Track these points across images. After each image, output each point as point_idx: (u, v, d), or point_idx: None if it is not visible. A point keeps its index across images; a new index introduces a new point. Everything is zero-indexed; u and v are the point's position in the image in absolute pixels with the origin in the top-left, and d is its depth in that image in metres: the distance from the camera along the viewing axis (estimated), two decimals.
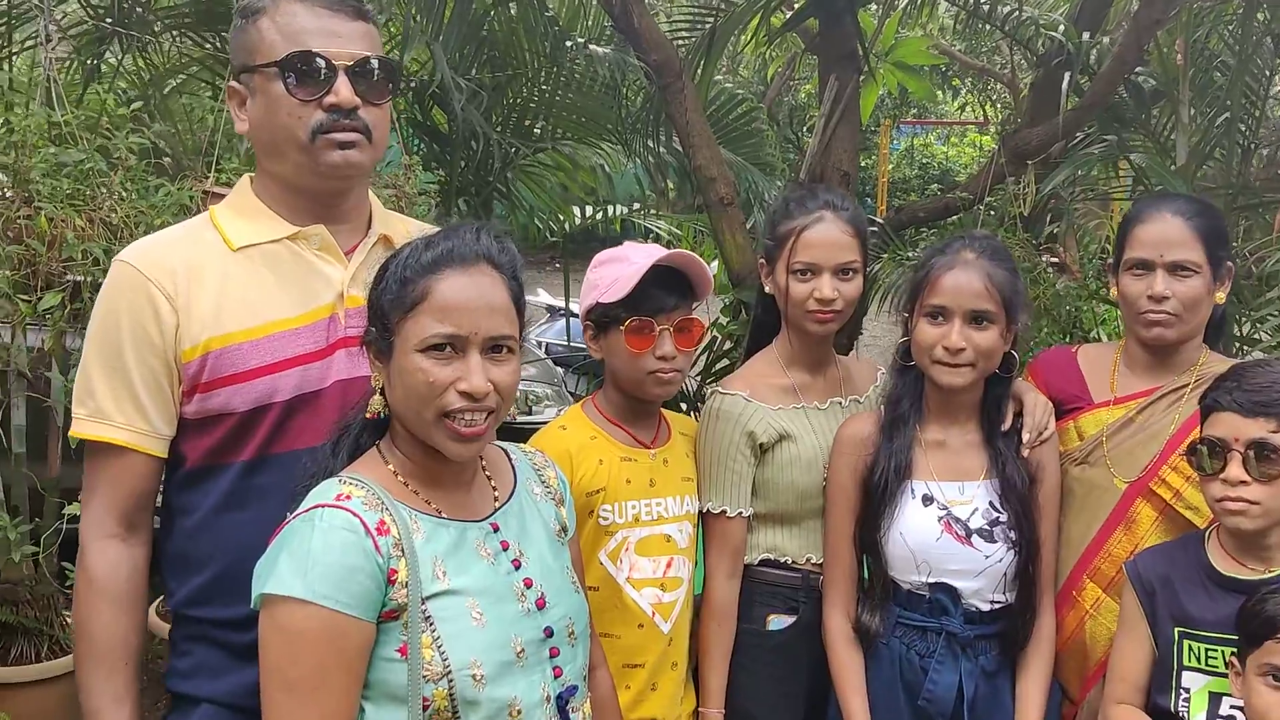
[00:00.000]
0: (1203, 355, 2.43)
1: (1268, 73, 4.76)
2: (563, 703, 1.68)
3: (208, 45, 4.41)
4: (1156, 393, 2.41)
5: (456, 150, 4.66)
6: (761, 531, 2.49)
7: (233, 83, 1.93)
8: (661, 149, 4.97)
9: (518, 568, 1.69)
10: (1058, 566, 2.43)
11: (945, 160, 19.27)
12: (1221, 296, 2.40)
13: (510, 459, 1.85)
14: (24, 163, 3.25)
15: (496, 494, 1.76)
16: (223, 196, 3.44)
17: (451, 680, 1.55)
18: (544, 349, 8.69)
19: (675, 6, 6.42)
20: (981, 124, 17.94)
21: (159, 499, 1.96)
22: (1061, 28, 4.60)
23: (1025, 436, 2.36)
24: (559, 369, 7.34)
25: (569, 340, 7.51)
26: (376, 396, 1.68)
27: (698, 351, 2.38)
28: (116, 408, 1.83)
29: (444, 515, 1.66)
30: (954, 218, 5.00)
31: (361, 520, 1.55)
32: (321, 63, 1.84)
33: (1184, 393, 2.38)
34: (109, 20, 4.12)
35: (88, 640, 1.84)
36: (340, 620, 1.50)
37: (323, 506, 1.56)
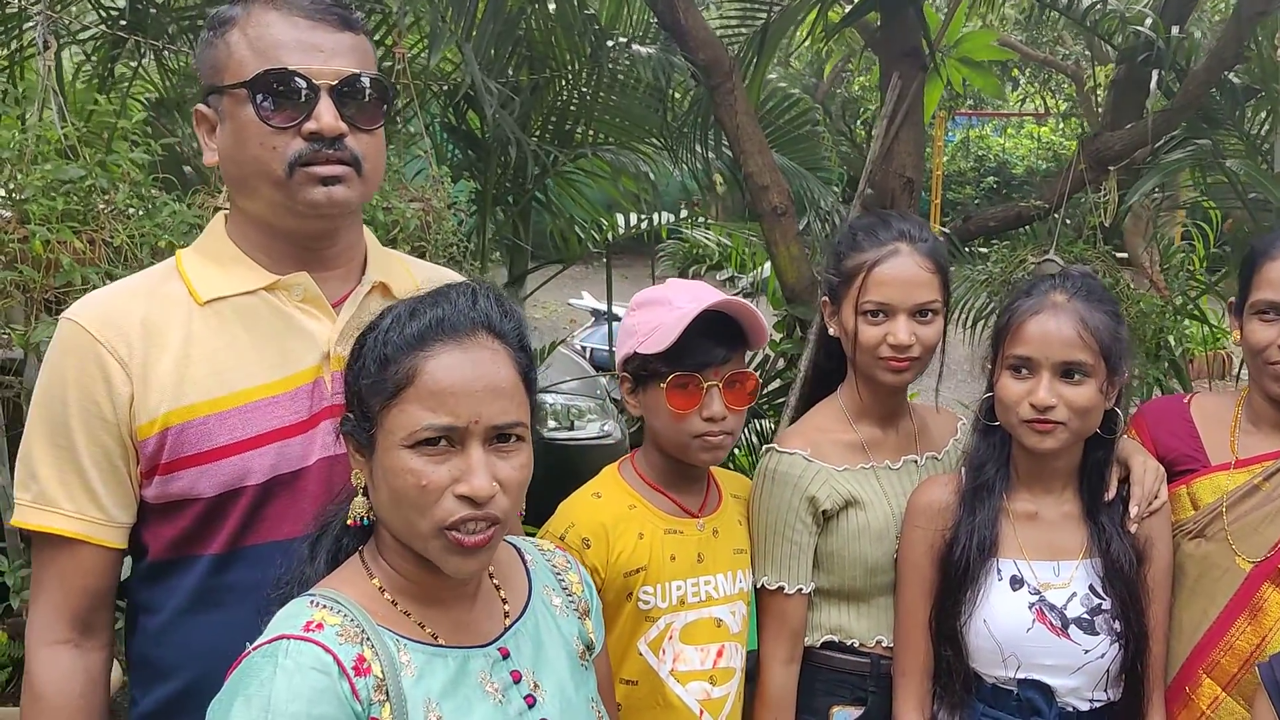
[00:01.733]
0: None
1: None
2: None
3: None
4: None
5: (492, 157, 4.37)
6: (824, 610, 2.18)
7: (200, 106, 1.64)
8: (710, 154, 4.64)
9: (531, 706, 1.39)
10: (1168, 658, 2.09)
11: (1002, 153, 18.73)
12: None
13: (524, 560, 1.55)
14: (20, 179, 3.01)
15: (507, 609, 1.46)
16: None
17: None
18: (589, 355, 8.40)
19: (725, 2, 6.08)
20: (1040, 116, 17.40)
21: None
22: (1149, 21, 4.22)
23: (1133, 509, 2.02)
24: (603, 379, 7.04)
25: (611, 345, 7.21)
26: (359, 498, 1.38)
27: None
28: (64, 493, 1.56)
29: (441, 641, 1.36)
30: (1027, 227, 4.64)
31: (335, 657, 1.25)
32: (301, 82, 1.55)
33: None
34: (123, 23, 3.87)
35: None
36: None
37: (288, 638, 1.26)
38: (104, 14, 4.04)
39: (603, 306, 9.29)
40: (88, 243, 2.98)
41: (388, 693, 1.27)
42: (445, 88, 4.36)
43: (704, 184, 4.80)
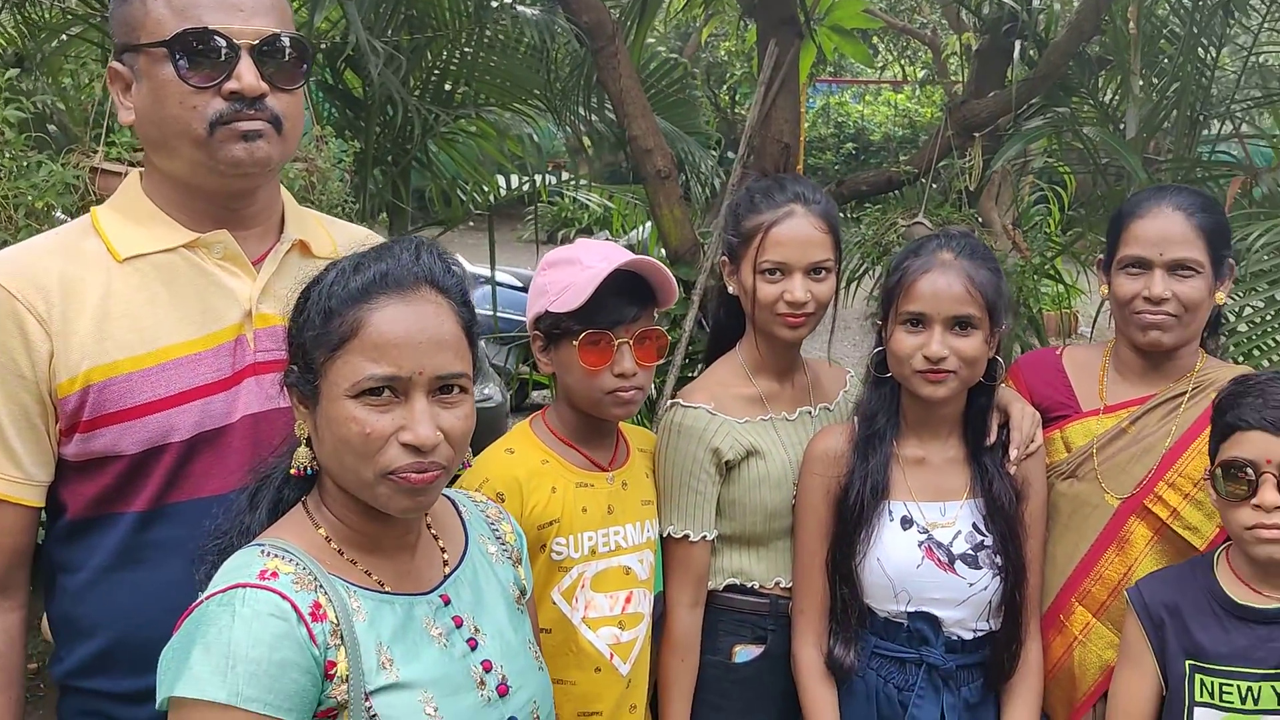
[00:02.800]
0: (1200, 360, 2.25)
1: (1217, 42, 4.63)
2: None
3: (95, 2, 4.01)
4: (1151, 401, 2.23)
5: (372, 117, 4.32)
6: (726, 554, 2.27)
7: (114, 63, 1.62)
8: (593, 117, 4.67)
9: (474, 648, 1.44)
10: (1044, 590, 2.26)
11: (861, 119, 19.16)
12: (1222, 297, 2.22)
13: (460, 512, 1.59)
14: None
15: (446, 557, 1.51)
16: (115, 175, 3.07)
17: None
18: None
19: None
20: (897, 83, 17.84)
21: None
22: None
23: (1013, 452, 2.16)
24: (482, 343, 7.04)
25: (495, 310, 7.23)
26: (302, 448, 1.40)
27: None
28: None
29: (387, 589, 1.40)
30: (897, 191, 4.81)
31: (293, 604, 1.29)
32: (221, 41, 1.55)
33: (1181, 401, 2.21)
34: None
35: None
36: None
37: (245, 587, 1.29)
38: None
39: (478, 270, 9.27)
40: None
41: (342, 637, 1.31)
42: (324, 47, 4.29)
43: (577, 147, 4.83)
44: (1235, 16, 4.54)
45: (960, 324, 2.09)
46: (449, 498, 1.61)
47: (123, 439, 1.56)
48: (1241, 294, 3.70)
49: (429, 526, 1.51)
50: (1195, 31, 4.39)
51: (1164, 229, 2.15)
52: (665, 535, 2.22)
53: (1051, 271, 4.91)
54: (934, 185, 4.84)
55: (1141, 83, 4.49)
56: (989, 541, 2.15)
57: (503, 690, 1.45)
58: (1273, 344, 3.59)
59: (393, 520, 1.40)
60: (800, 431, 2.29)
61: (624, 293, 1.97)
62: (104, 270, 1.59)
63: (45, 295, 1.54)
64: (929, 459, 2.20)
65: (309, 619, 1.29)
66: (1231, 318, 3.80)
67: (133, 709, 1.57)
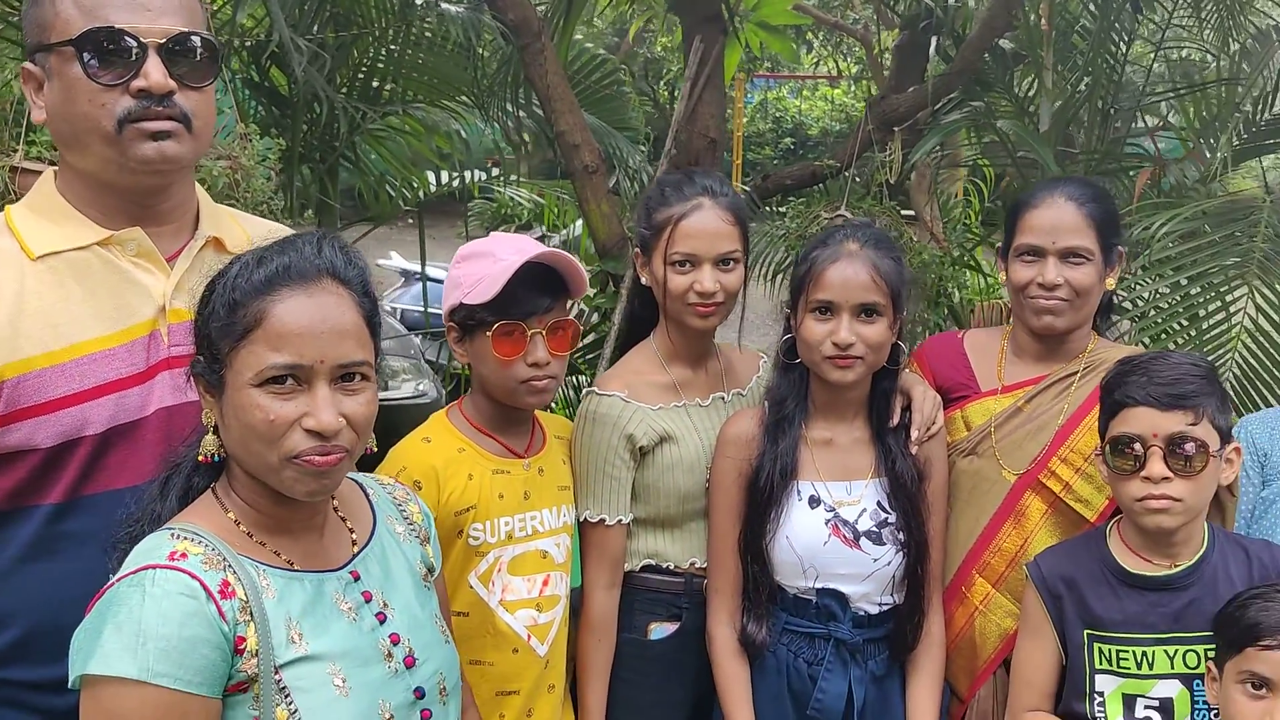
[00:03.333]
0: (1091, 342, 2.37)
1: (1126, 37, 4.78)
2: None
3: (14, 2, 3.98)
4: (1044, 381, 2.34)
5: (298, 115, 4.33)
6: (642, 537, 2.35)
7: (27, 64, 1.65)
8: (521, 113, 4.72)
9: (383, 622, 1.50)
10: (946, 563, 2.35)
11: (798, 114, 19.35)
12: (1112, 283, 2.34)
13: (367, 495, 1.64)
14: None
15: (354, 537, 1.56)
16: (34, 174, 3.06)
17: None
18: (399, 315, 8.36)
19: None
20: (833, 79, 18.04)
21: None
22: None
23: (914, 433, 2.26)
24: (416, 339, 7.06)
25: (426, 306, 7.26)
26: (210, 436, 1.45)
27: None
28: None
29: (296, 567, 1.45)
30: (821, 185, 4.91)
31: (201, 582, 1.33)
32: (129, 41, 1.58)
33: (1072, 381, 2.32)
34: None
35: None
36: (181, 700, 1.30)
37: (154, 568, 1.33)
38: None
39: (412, 267, 9.25)
40: None
41: (251, 613, 1.36)
42: (248, 44, 4.29)
43: (515, 142, 4.88)
44: (1143, 14, 4.69)
45: (866, 311, 2.17)
46: (357, 481, 1.66)
47: (37, 433, 1.59)
48: (1150, 280, 3.85)
49: (336, 509, 1.56)
50: (1105, 27, 4.53)
51: (1056, 218, 2.26)
52: (582, 519, 2.29)
53: (971, 262, 5.04)
54: (858, 179, 4.96)
55: (1055, 77, 4.64)
56: (892, 519, 2.24)
57: (410, 662, 1.50)
58: (1178, 328, 3.73)
59: (299, 503, 1.45)
60: (714, 416, 2.37)
61: (536, 284, 2.03)
62: (18, 268, 1.62)
63: None
64: (836, 440, 2.28)
65: (218, 596, 1.33)
66: (1140, 303, 3.95)
67: (51, 697, 1.60)
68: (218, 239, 1.76)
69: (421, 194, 5.08)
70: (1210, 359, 3.13)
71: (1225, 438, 2.04)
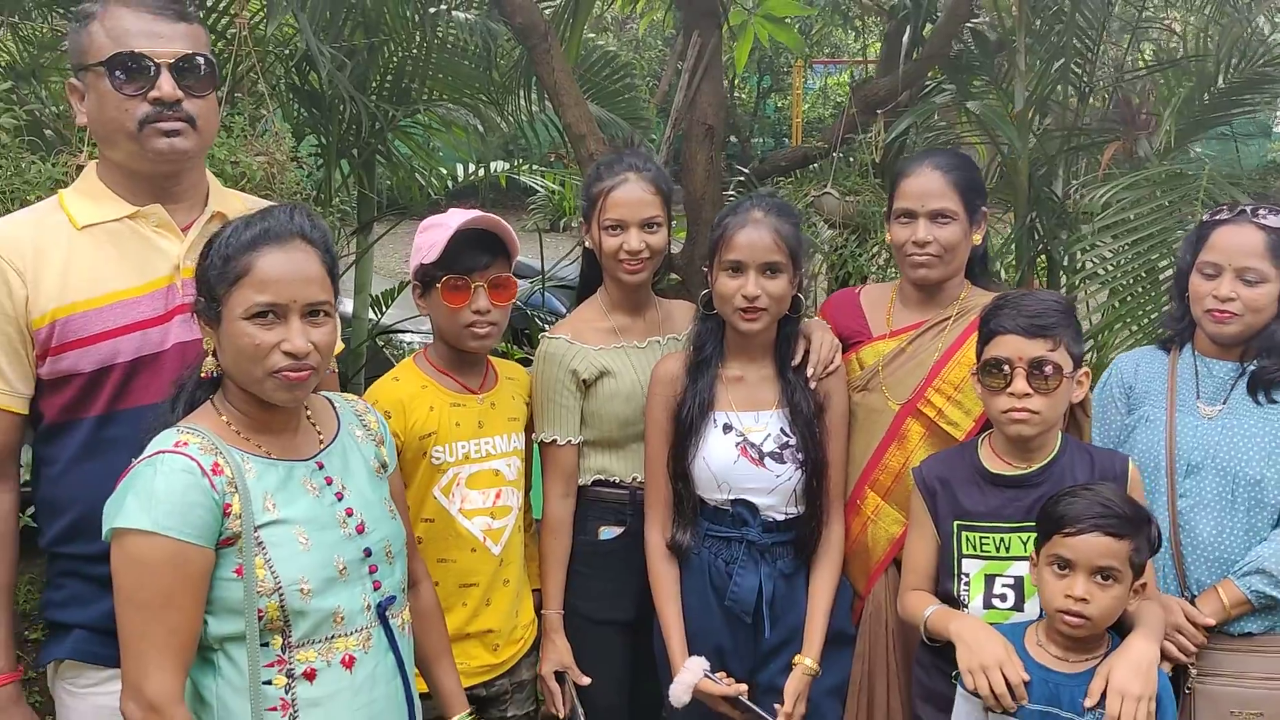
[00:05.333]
0: (964, 290, 2.77)
1: (1101, 20, 5.09)
2: (382, 610, 1.96)
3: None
4: (924, 325, 2.74)
5: (333, 114, 4.84)
6: (592, 456, 2.80)
7: (72, 80, 2.15)
8: (535, 107, 5.19)
9: (340, 499, 1.96)
10: (847, 482, 2.76)
11: None
12: (978, 239, 2.73)
13: (334, 407, 2.11)
14: None
15: (321, 437, 2.03)
16: None
17: (282, 594, 1.82)
18: None
19: None
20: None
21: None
22: None
23: (809, 370, 2.67)
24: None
25: (575, 298, 7.77)
26: (209, 358, 1.92)
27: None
28: None
29: (273, 457, 1.92)
30: (812, 165, 5.30)
31: (198, 463, 1.80)
32: (147, 61, 2.07)
33: (947, 324, 2.73)
34: None
35: None
36: (183, 548, 1.76)
37: (163, 452, 1.81)
38: None
39: None
40: None
41: (236, 487, 1.82)
42: (288, 51, 4.81)
43: (530, 133, 5.33)
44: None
45: (770, 269, 2.58)
46: (328, 399, 2.13)
47: (81, 361, 2.08)
48: (1100, 244, 4.20)
49: (309, 417, 2.03)
50: (1074, 9, 4.85)
51: (924, 185, 2.66)
52: (540, 441, 2.75)
53: None
54: (850, 160, 5.34)
55: (1029, 59, 4.97)
56: (793, 442, 2.65)
57: (360, 529, 1.96)
58: (1123, 286, 4.08)
59: (278, 408, 1.92)
60: (650, 356, 2.80)
61: (478, 245, 2.50)
62: (66, 236, 2.12)
63: (23, 255, 2.07)
64: (746, 377, 2.70)
65: (210, 473, 1.80)
66: (1099, 263, 4.29)
67: (99, 566, 2.07)
68: (222, 213, 2.24)
69: (449, 184, 5.56)
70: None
71: (1077, 363, 2.43)
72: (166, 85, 2.07)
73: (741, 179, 5.50)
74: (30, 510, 2.28)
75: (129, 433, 2.03)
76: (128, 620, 1.77)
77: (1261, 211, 2.61)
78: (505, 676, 2.71)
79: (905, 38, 4.77)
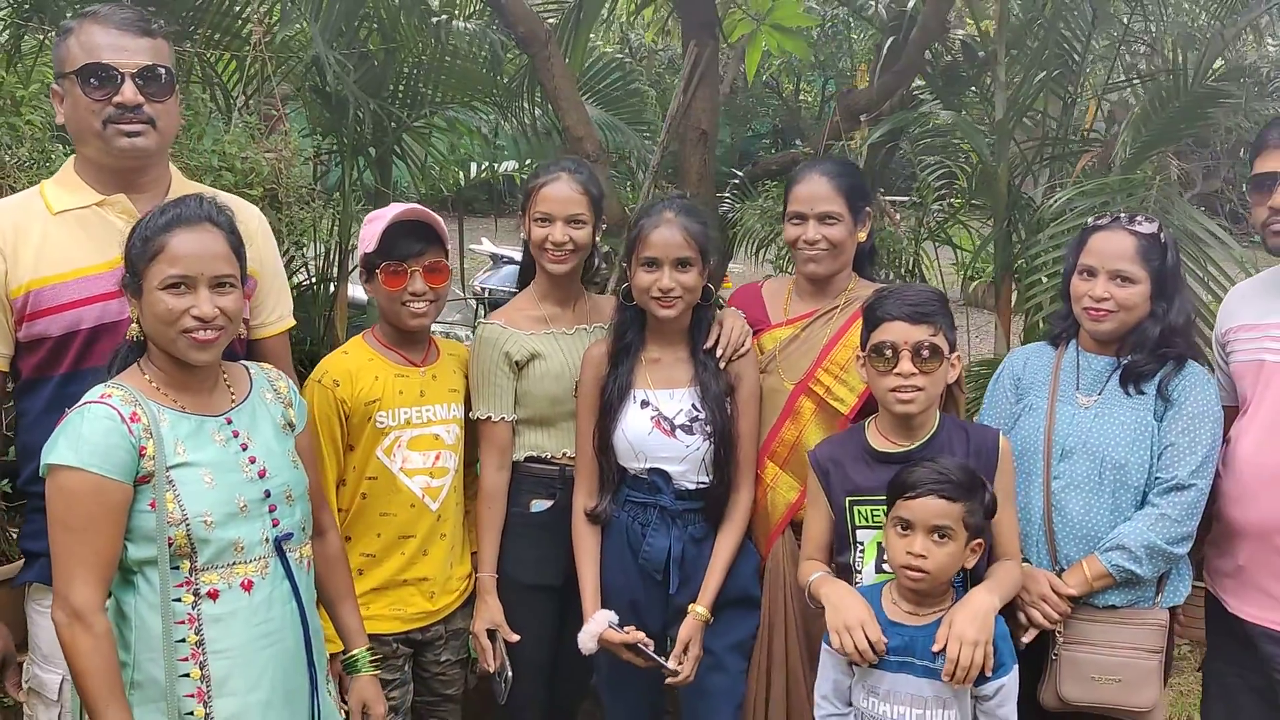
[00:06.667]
0: (852, 282, 3.05)
1: (1084, 35, 5.27)
2: (279, 544, 2.28)
3: None
4: (815, 314, 3.03)
5: (347, 115, 5.19)
6: (525, 434, 3.08)
7: (54, 85, 2.50)
8: (539, 112, 5.50)
9: (245, 449, 2.27)
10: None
11: None
12: (863, 236, 3.02)
13: (250, 374, 2.42)
14: None
15: (234, 397, 2.34)
16: None
17: (188, 525, 2.14)
18: (487, 294, 9.28)
19: None
20: None
21: None
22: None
23: (719, 351, 2.94)
24: (482, 310, 7.97)
25: (509, 288, 8.16)
26: (134, 325, 2.25)
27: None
28: None
29: (187, 410, 2.23)
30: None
31: (119, 411, 2.13)
32: (114, 71, 2.40)
33: (834, 313, 3.01)
34: (26, 7, 4.66)
35: None
36: (104, 482, 2.09)
37: (90, 403, 2.14)
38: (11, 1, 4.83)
39: (500, 251, 10.14)
40: None
41: (151, 433, 2.14)
42: (306, 57, 5.17)
43: (533, 137, 5.64)
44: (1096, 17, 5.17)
45: (682, 264, 2.86)
46: (246, 367, 2.44)
47: (51, 326, 2.42)
48: (1056, 248, 4.39)
49: (225, 380, 2.33)
50: (1055, 27, 5.04)
51: (812, 190, 2.95)
52: (476, 418, 3.04)
53: (943, 237, 5.61)
54: None
55: (1010, 71, 5.16)
56: (702, 415, 2.92)
57: (262, 474, 2.27)
58: None
59: (193, 367, 2.22)
60: (578, 343, 3.08)
61: (413, 235, 2.82)
62: (43, 219, 2.46)
63: (3, 235, 2.41)
64: (663, 359, 2.98)
65: (129, 420, 2.12)
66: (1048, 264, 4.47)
67: None
68: None
69: (461, 182, 5.90)
70: None
71: (952, 347, 2.68)
72: (129, 91, 2.40)
73: (736, 181, 5.77)
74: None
75: (87, 389, 2.34)
76: (58, 541, 2.10)
77: (1137, 219, 2.83)
78: (441, 624, 3.02)
79: (884, 50, 4.98)
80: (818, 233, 2.92)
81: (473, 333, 7.32)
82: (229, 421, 2.28)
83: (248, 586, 2.20)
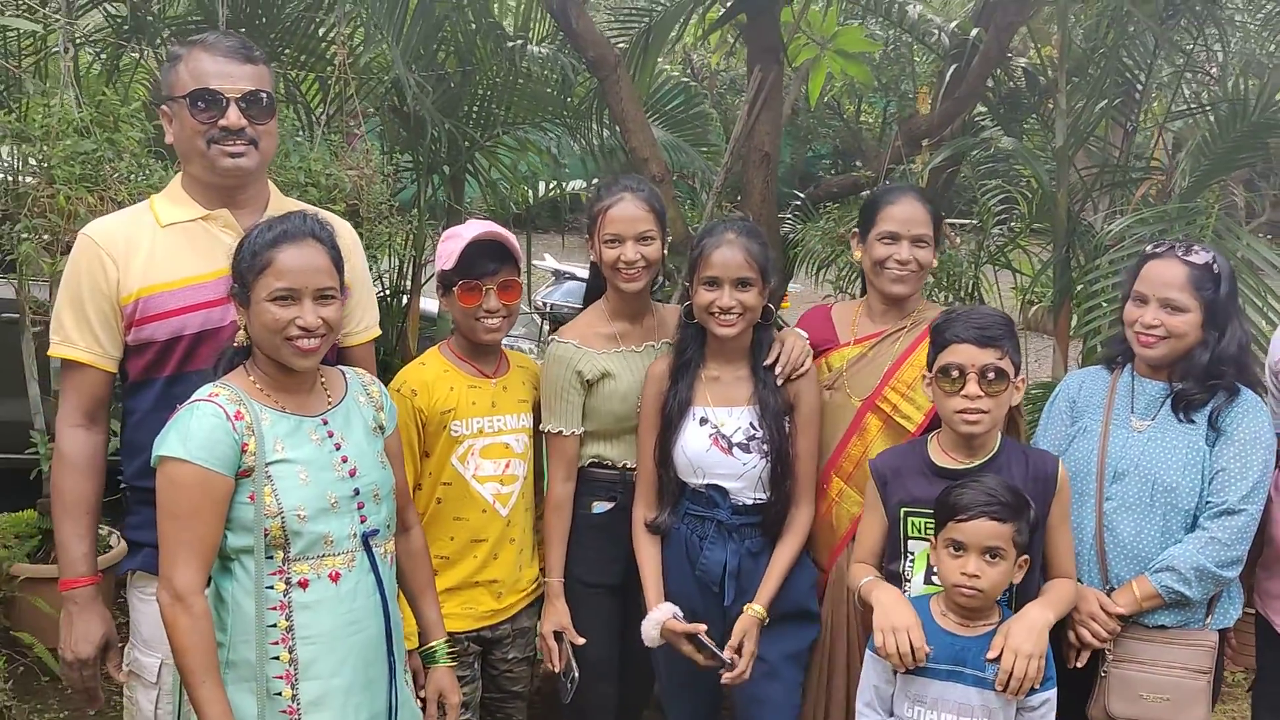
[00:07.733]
0: (920, 304, 3.14)
1: (1147, 63, 5.32)
2: (366, 539, 2.43)
3: None
4: (884, 334, 3.14)
5: (425, 135, 5.38)
6: (591, 443, 3.21)
7: (163, 107, 2.69)
8: (606, 133, 5.66)
9: (338, 449, 2.43)
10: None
11: None
12: (936, 261, 3.11)
13: (345, 378, 2.58)
14: (47, 151, 4.03)
15: (330, 399, 2.50)
16: None
17: (283, 518, 2.31)
18: (549, 309, 9.47)
19: (620, 3, 7.06)
20: None
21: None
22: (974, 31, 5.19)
23: (778, 369, 3.05)
24: (546, 325, 8.14)
25: (582, 304, 8.31)
26: (241, 332, 2.42)
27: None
28: (79, 336, 2.60)
29: (287, 411, 2.40)
30: (863, 193, 5.65)
31: (224, 410, 2.30)
32: (220, 96, 2.58)
33: (901, 333, 3.12)
34: (125, 28, 4.91)
35: (60, 499, 2.61)
36: (208, 474, 2.26)
37: (199, 401, 2.31)
38: (111, 20, 5.09)
39: (562, 268, 10.33)
40: (98, 199, 4.00)
41: (253, 430, 2.31)
42: (388, 77, 5.37)
43: (601, 157, 5.80)
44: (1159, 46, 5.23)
45: (742, 283, 2.97)
46: (342, 372, 2.60)
47: (157, 331, 2.60)
48: (1114, 274, 4.45)
49: (322, 383, 2.50)
50: (1116, 55, 5.10)
51: (910, 213, 3.08)
52: (546, 431, 3.18)
53: (1002, 260, 5.66)
54: None
55: (1071, 99, 5.23)
56: (760, 434, 3.02)
57: (353, 473, 2.42)
58: None
59: (293, 373, 2.39)
60: (645, 359, 3.20)
61: (489, 254, 2.97)
62: (152, 231, 2.64)
63: (116, 245, 2.59)
64: (723, 377, 3.09)
65: (233, 419, 2.29)
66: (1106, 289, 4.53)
67: None
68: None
69: (531, 200, 6.08)
70: None
71: (1017, 370, 2.77)
72: (233, 115, 2.58)
73: (798, 202, 5.88)
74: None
75: (191, 391, 2.52)
76: (164, 528, 2.27)
77: (1194, 248, 2.91)
78: (508, 622, 3.16)
79: (948, 77, 5.07)
80: (910, 254, 3.05)
81: (536, 346, 7.55)
82: (325, 422, 2.44)
83: (335, 578, 2.36)
